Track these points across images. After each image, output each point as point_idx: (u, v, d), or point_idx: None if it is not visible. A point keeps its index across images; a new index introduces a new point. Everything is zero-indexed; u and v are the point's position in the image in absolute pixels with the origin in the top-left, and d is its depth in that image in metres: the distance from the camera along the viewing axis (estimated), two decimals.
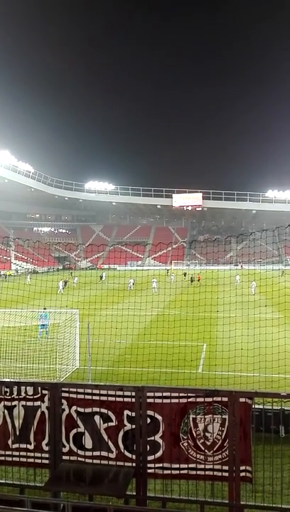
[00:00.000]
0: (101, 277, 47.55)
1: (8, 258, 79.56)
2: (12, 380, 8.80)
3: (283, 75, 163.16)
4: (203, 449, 6.10)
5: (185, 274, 54.74)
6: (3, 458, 6.61)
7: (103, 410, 6.31)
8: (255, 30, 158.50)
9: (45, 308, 20.53)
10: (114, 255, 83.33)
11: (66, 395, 6.43)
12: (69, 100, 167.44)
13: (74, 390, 6.46)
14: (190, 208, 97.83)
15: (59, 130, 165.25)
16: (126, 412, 6.25)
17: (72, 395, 6.42)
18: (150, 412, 6.21)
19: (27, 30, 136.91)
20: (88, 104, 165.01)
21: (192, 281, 46.23)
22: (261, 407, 7.88)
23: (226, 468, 6.01)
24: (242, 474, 5.98)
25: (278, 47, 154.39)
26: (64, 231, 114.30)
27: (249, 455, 6.03)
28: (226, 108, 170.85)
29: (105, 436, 6.29)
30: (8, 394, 6.58)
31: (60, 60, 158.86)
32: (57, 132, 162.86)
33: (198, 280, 44.41)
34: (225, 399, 6.05)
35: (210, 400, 6.10)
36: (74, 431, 6.39)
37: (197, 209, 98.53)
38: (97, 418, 6.33)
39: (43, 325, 20.31)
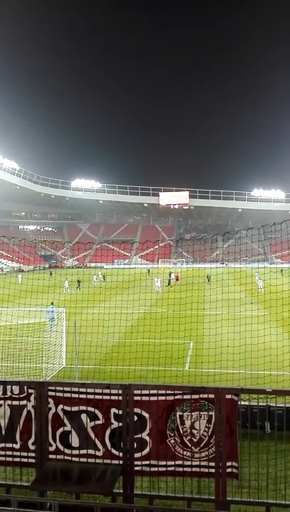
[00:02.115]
0: (103, 277, 48.33)
1: None
2: None
3: (270, 75, 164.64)
4: (190, 445, 6.13)
5: (170, 274, 53.42)
6: None
7: (90, 409, 6.30)
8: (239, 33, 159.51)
9: (52, 303, 21.25)
10: (100, 253, 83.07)
11: (52, 393, 6.40)
12: (55, 98, 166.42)
13: (61, 388, 6.43)
14: (176, 207, 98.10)
15: (45, 127, 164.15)
16: (113, 410, 6.25)
17: (58, 394, 6.39)
18: (137, 410, 6.21)
19: (12, 30, 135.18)
20: (74, 101, 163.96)
21: (169, 283, 43.55)
22: (247, 403, 7.96)
23: (212, 464, 6.06)
24: (229, 470, 6.04)
25: (270, 48, 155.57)
26: (50, 229, 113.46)
27: (235, 451, 6.08)
28: (213, 108, 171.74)
29: (92, 435, 6.28)
30: None
31: (46, 60, 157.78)
32: (43, 129, 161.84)
33: (177, 279, 44.11)
34: (212, 396, 6.09)
35: (196, 397, 6.13)
36: (60, 429, 6.36)
37: (184, 207, 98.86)
38: (83, 416, 6.31)
39: (53, 318, 20.63)
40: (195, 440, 6.13)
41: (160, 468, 6.20)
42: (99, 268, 68.81)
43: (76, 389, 6.39)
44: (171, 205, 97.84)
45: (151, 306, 27.13)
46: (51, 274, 44.85)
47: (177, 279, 43.84)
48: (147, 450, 6.20)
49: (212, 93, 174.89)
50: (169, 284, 42.91)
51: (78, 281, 42.03)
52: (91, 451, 6.27)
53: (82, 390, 6.35)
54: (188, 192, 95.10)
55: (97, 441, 6.27)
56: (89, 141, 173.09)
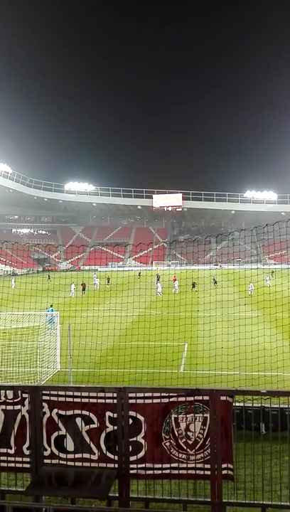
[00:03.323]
0: (108, 280, 48.72)
1: None
2: None
3: (263, 78, 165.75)
4: (185, 448, 6.13)
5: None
6: None
7: (84, 412, 6.27)
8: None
9: (51, 306, 21.43)
10: (94, 256, 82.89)
11: (47, 398, 6.37)
12: (48, 101, 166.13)
13: (55, 392, 6.40)
14: (170, 209, 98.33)
15: (37, 130, 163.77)
16: (108, 414, 6.23)
17: (53, 398, 6.36)
18: (132, 413, 6.20)
19: (4, 32, 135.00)
20: (67, 104, 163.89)
21: (193, 286, 38.06)
22: (241, 404, 7.97)
23: (208, 466, 6.06)
24: (224, 472, 6.04)
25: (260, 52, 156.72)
26: (44, 232, 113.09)
27: (230, 453, 6.09)
28: (206, 111, 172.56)
29: (87, 439, 6.25)
30: None
31: (38, 63, 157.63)
32: (36, 132, 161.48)
33: (174, 281, 43.73)
34: (206, 398, 6.10)
35: (191, 399, 6.13)
36: (55, 434, 6.33)
37: (178, 209, 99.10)
38: (78, 420, 6.28)
39: (51, 320, 20.58)
40: (190, 442, 6.12)
41: (156, 471, 6.18)
42: (94, 271, 68.69)
43: (70, 393, 6.36)
44: (165, 208, 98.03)
45: (145, 308, 27.11)
46: (49, 278, 44.54)
47: (174, 282, 43.52)
48: (142, 453, 6.19)
49: (205, 96, 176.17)
50: (194, 286, 38.50)
51: (83, 284, 41.62)
52: (86, 455, 6.25)
53: (76, 393, 6.33)
54: (181, 194, 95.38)
55: (92, 445, 6.24)
56: (82, 144, 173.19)
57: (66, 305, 23.10)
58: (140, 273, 58.87)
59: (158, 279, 46.25)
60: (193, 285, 38.23)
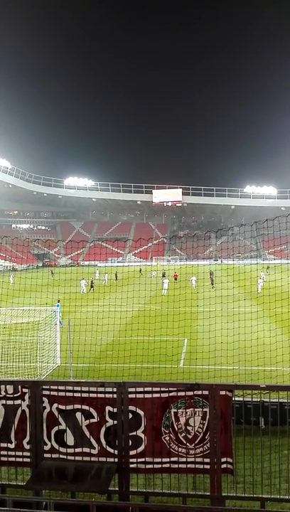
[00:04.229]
0: (116, 276, 48.83)
1: None
2: None
3: (263, 72, 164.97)
4: (185, 442, 6.15)
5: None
6: None
7: (84, 407, 6.29)
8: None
9: (59, 301, 21.84)
10: (94, 251, 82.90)
11: (47, 392, 6.38)
12: (47, 96, 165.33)
13: (56, 387, 6.41)
14: (170, 204, 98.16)
15: (37, 125, 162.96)
16: (108, 408, 6.25)
17: (53, 393, 6.37)
18: (132, 408, 6.22)
19: (2, 29, 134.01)
20: (66, 99, 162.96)
21: (212, 284, 38.62)
22: (241, 399, 8.00)
23: (207, 460, 6.09)
24: (223, 466, 6.07)
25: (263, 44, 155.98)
26: (43, 228, 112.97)
27: (230, 447, 6.11)
28: (205, 106, 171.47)
29: (87, 433, 6.28)
30: None
31: (36, 58, 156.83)
32: (36, 128, 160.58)
33: (175, 279, 43.74)
34: (206, 392, 6.11)
35: (191, 393, 6.15)
36: (55, 428, 6.35)
37: (177, 205, 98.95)
38: (78, 415, 6.30)
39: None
40: (189, 437, 6.15)
41: (156, 466, 6.21)
42: (96, 266, 68.72)
43: (70, 387, 6.38)
44: (164, 203, 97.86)
45: (145, 303, 27.15)
46: (52, 274, 44.42)
47: (175, 279, 43.42)
48: (142, 447, 6.21)
49: (205, 90, 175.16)
50: (212, 284, 38.80)
51: (92, 281, 41.61)
52: (86, 450, 6.27)
53: (76, 388, 6.34)
54: (181, 189, 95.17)
55: (92, 440, 6.27)
56: (82, 139, 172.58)
57: (66, 300, 23.13)
58: (141, 269, 58.96)
59: (163, 276, 46.26)
60: (212, 282, 37.99)
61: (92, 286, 40.59)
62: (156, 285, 39.28)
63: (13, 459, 6.45)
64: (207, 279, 41.65)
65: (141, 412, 6.22)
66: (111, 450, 6.24)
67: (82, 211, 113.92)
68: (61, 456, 6.32)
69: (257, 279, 35.52)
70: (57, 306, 20.90)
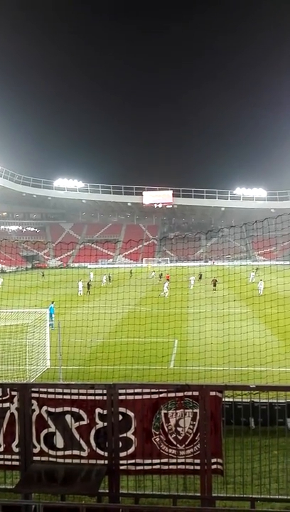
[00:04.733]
0: (109, 278, 48.63)
1: None
2: None
3: (253, 75, 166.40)
4: (175, 443, 6.14)
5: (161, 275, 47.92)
6: None
7: (74, 409, 6.25)
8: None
9: (53, 302, 21.84)
10: (84, 253, 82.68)
11: (36, 395, 6.33)
12: (36, 97, 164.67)
13: (45, 390, 6.35)
14: (160, 206, 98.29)
15: (27, 127, 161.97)
16: (98, 410, 6.21)
17: (42, 395, 6.32)
18: (122, 409, 6.19)
19: None
20: (56, 100, 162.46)
21: (214, 285, 38.04)
22: (231, 399, 8.01)
23: (198, 461, 6.08)
24: (214, 467, 6.07)
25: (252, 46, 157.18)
26: (33, 229, 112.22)
27: (220, 448, 6.11)
28: (195, 107, 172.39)
29: (77, 435, 6.23)
30: None
31: (27, 61, 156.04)
32: (25, 129, 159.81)
33: (167, 280, 43.78)
34: (196, 393, 6.11)
35: (181, 394, 6.14)
36: (45, 431, 6.29)
37: (168, 206, 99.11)
38: (68, 417, 6.25)
39: (51, 315, 20.77)
40: (180, 438, 6.14)
41: (146, 467, 6.19)
42: (83, 268, 68.48)
43: (60, 390, 6.33)
44: (155, 204, 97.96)
45: (135, 305, 27.12)
46: (43, 275, 44.18)
47: (168, 279, 43.43)
48: (132, 449, 6.19)
49: (195, 92, 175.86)
50: (215, 285, 37.99)
51: (88, 283, 41.60)
52: (76, 452, 6.23)
53: (66, 390, 6.30)
54: (171, 191, 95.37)
55: (81, 442, 6.22)
56: (72, 140, 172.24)
57: (56, 302, 22.98)
58: (131, 271, 58.86)
59: (160, 277, 46.04)
60: (215, 284, 37.66)
61: (88, 288, 40.58)
62: (152, 285, 39.19)
63: (1, 462, 6.37)
64: (203, 281, 41.65)
65: (131, 414, 6.20)
66: (101, 452, 6.20)
67: (71, 213, 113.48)
68: (50, 458, 6.26)
69: (258, 279, 35.54)
70: (51, 308, 20.83)
